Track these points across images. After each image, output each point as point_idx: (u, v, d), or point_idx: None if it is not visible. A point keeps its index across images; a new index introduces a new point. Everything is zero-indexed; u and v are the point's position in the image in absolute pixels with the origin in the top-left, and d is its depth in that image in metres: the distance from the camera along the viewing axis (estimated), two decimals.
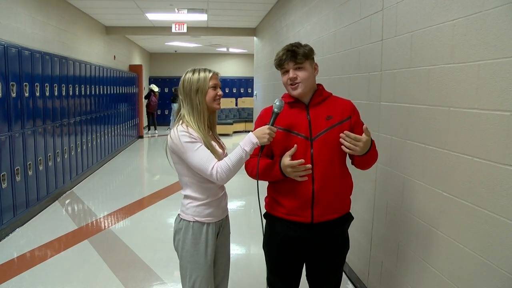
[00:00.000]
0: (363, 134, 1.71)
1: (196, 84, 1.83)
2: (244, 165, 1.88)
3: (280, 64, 1.82)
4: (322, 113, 1.83)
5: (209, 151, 1.78)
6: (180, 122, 1.84)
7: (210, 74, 1.86)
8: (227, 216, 2.02)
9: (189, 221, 1.86)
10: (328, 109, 1.84)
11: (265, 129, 1.74)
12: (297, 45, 1.81)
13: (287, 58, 1.78)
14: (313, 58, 1.85)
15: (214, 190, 1.88)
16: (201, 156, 1.75)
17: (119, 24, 8.70)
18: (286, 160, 1.74)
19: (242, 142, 1.77)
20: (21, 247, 3.68)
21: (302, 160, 1.73)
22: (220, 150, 1.89)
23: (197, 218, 1.85)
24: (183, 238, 1.86)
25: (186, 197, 1.89)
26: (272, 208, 1.92)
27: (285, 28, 5.68)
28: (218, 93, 1.88)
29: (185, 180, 1.87)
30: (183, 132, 1.78)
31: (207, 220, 1.86)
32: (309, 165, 1.75)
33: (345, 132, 1.73)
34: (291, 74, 1.79)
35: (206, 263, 1.86)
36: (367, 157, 1.80)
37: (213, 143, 1.86)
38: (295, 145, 1.75)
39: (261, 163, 1.82)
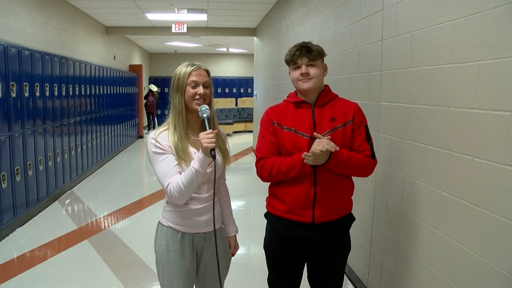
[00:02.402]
0: (318, 144, 1.67)
1: (176, 82, 1.68)
2: (257, 170, 1.86)
3: (292, 59, 1.81)
4: (326, 115, 1.83)
5: (173, 164, 1.62)
6: (163, 125, 1.73)
7: (190, 70, 1.67)
8: (217, 231, 1.74)
9: (164, 225, 1.73)
10: (332, 110, 1.84)
11: (201, 136, 1.57)
12: (311, 43, 1.82)
13: (301, 53, 1.78)
14: (323, 59, 1.86)
15: (190, 200, 1.68)
16: (162, 169, 1.62)
17: (119, 24, 8.69)
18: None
19: (192, 161, 1.61)
20: (21, 247, 3.68)
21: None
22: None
23: (171, 224, 1.71)
24: (158, 242, 1.74)
25: (166, 201, 1.76)
26: (272, 207, 1.91)
27: (285, 28, 5.68)
28: (197, 92, 1.66)
29: None
30: (152, 140, 1.65)
31: (182, 229, 1.70)
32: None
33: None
34: (304, 69, 1.78)
35: (179, 273, 1.69)
36: (328, 167, 1.76)
37: (191, 150, 1.68)
38: (329, 137, 1.71)
39: (281, 159, 1.81)
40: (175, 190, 1.59)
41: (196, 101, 1.67)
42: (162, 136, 1.67)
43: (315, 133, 1.72)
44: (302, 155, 1.70)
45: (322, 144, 1.66)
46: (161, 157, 1.63)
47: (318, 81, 1.81)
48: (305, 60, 1.79)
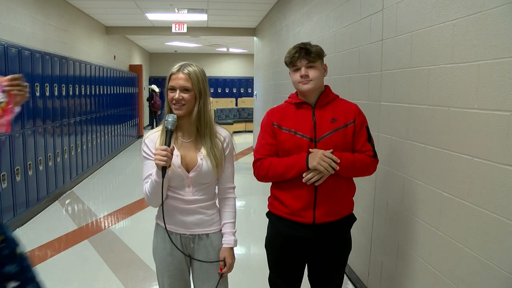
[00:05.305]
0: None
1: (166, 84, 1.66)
2: (253, 171, 1.88)
3: (292, 61, 1.81)
4: (327, 115, 1.83)
5: (150, 171, 1.61)
6: (159, 125, 1.70)
7: (169, 73, 1.60)
8: (206, 236, 1.71)
9: (157, 223, 1.77)
10: (333, 111, 1.85)
11: (156, 150, 1.52)
12: (310, 44, 1.82)
13: (300, 55, 1.77)
14: (323, 59, 1.86)
15: (173, 199, 1.68)
16: (143, 172, 1.68)
17: (119, 24, 8.69)
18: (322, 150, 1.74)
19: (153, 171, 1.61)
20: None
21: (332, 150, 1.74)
22: (177, 162, 1.60)
23: (158, 221, 1.74)
24: (153, 239, 1.78)
25: None
26: (275, 207, 1.92)
27: (285, 28, 5.68)
28: (174, 97, 1.58)
29: None
30: (142, 142, 1.71)
31: (168, 228, 1.66)
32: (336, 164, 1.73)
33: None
34: (303, 71, 1.78)
35: (168, 271, 1.70)
36: (340, 173, 1.79)
37: (174, 153, 1.57)
38: (331, 150, 1.75)
39: (279, 160, 1.82)
40: (144, 194, 1.67)
41: (174, 105, 1.60)
42: (150, 138, 1.68)
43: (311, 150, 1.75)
44: (304, 179, 1.73)
45: (324, 163, 1.70)
46: (144, 161, 1.68)
47: (318, 82, 1.82)
48: (304, 62, 1.78)
